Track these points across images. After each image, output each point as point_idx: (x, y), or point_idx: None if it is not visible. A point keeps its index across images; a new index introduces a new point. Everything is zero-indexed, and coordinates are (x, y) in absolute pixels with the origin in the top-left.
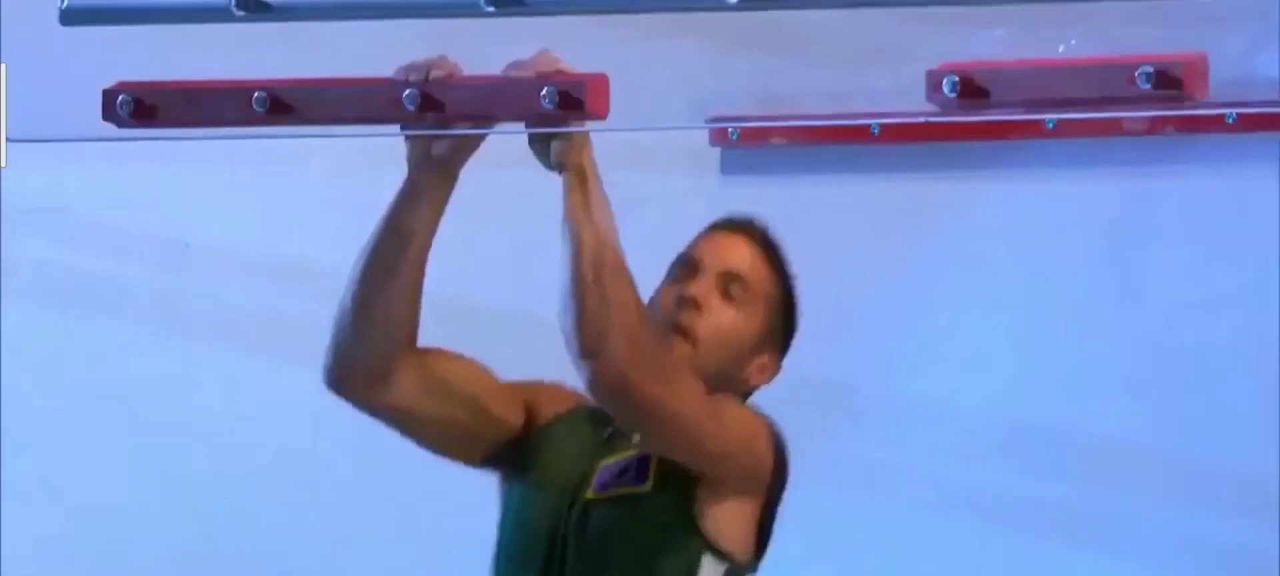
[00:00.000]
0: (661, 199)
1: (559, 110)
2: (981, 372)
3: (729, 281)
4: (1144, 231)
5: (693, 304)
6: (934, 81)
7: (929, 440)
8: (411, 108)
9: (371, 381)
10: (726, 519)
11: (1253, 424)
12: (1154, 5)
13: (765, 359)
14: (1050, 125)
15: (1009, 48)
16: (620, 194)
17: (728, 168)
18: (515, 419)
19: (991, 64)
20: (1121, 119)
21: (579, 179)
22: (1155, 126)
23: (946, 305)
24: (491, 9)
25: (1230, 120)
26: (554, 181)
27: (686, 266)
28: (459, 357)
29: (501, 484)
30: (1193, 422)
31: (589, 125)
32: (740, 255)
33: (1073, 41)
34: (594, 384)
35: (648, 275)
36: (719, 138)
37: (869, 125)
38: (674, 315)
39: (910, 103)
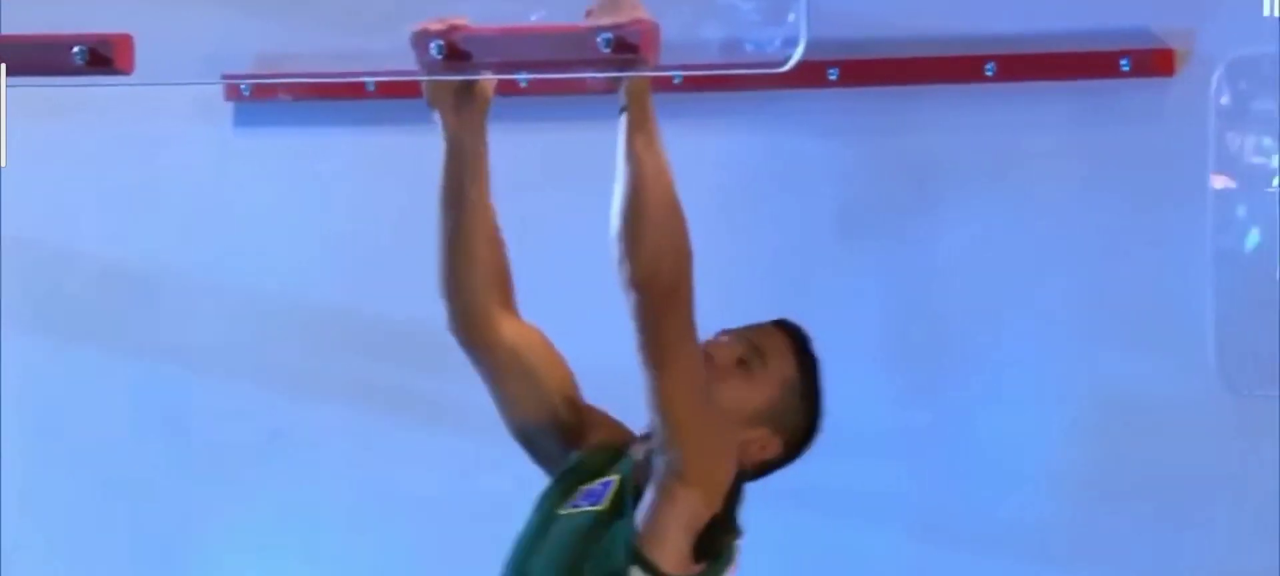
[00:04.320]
0: (178, 145)
1: (88, 65)
2: (580, 319)
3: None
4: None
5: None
6: (422, 44)
7: None
8: None
9: (470, 323)
10: (663, 535)
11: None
12: None
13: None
14: (523, 83)
15: (489, 16)
16: (142, 140)
17: (240, 120)
18: (573, 433)
19: (472, 29)
20: (587, 79)
21: (644, 115)
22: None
23: None
24: None
25: (678, 81)
26: None
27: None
28: (550, 348)
29: None
30: None
31: (115, 78)
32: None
33: (543, 12)
34: (634, 283)
35: (163, 213)
36: (233, 94)
37: (365, 83)
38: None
39: (403, 63)
